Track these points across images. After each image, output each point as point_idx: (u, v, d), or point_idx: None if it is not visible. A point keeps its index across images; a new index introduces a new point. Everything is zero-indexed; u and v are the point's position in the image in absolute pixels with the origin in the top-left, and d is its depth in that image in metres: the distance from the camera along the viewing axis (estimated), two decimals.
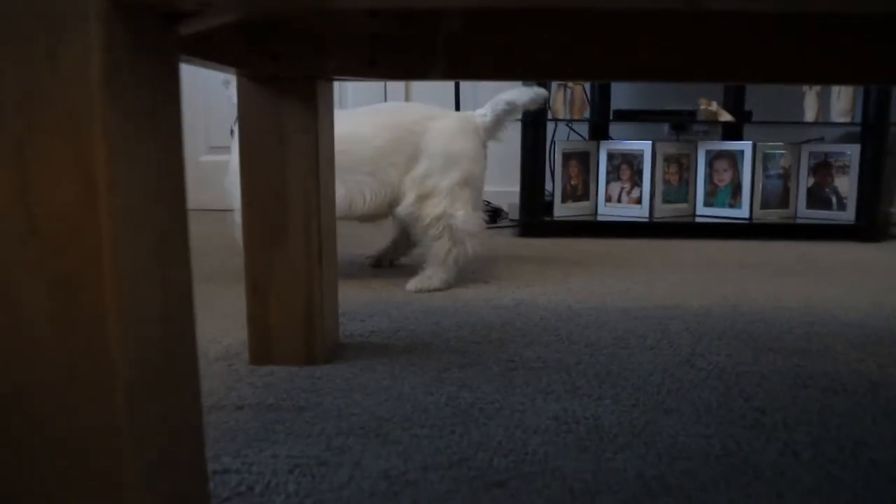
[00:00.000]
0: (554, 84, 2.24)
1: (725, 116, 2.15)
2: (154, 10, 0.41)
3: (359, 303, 1.28)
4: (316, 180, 0.90)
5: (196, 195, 2.55)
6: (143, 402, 0.42)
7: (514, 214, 2.24)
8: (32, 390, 0.40)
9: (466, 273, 1.58)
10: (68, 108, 0.38)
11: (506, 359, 0.96)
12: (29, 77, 0.37)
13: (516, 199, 2.18)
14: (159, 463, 0.44)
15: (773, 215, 2.14)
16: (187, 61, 0.76)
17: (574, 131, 2.55)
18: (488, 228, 2.27)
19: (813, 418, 0.77)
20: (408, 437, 0.71)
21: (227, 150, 1.87)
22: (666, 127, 2.46)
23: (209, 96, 2.58)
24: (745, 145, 2.10)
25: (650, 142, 2.13)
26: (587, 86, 2.39)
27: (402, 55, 0.85)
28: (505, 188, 2.71)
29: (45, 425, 0.40)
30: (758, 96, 2.35)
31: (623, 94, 2.52)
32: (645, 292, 1.39)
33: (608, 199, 2.17)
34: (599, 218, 2.16)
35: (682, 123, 2.32)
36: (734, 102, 2.27)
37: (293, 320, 0.92)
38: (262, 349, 0.93)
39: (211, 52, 0.77)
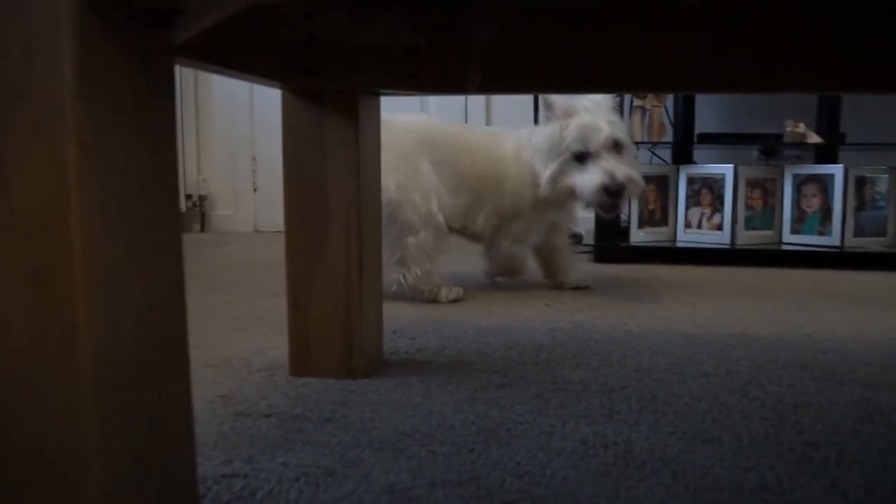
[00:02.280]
0: (628, 106, 2.18)
1: (814, 138, 2.04)
2: (132, 8, 0.42)
3: (411, 320, 1.27)
4: (357, 194, 0.90)
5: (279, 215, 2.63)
6: (115, 400, 0.43)
7: (590, 240, 2.19)
8: (2, 380, 0.41)
9: (529, 296, 1.55)
10: (43, 103, 0.39)
11: (548, 380, 0.93)
12: (7, 71, 0.39)
13: (593, 225, 2.13)
14: (133, 462, 0.44)
15: (868, 244, 2.00)
16: (225, 73, 0.78)
17: (656, 155, 2.48)
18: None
19: (872, 456, 0.70)
20: (424, 452, 0.69)
21: None
22: (755, 152, 2.35)
23: None
24: (836, 169, 1.98)
25: (732, 165, 2.04)
26: (668, 108, 2.32)
27: (440, 68, 0.84)
28: (583, 213, 2.66)
29: (10, 416, 0.41)
30: (854, 117, 2.22)
31: (707, 117, 2.43)
32: (713, 319, 1.32)
33: (688, 224, 2.09)
34: (678, 244, 2.08)
35: (771, 148, 2.21)
36: (827, 124, 2.15)
37: (332, 333, 0.92)
38: (302, 361, 0.93)
39: (249, 64, 0.79)
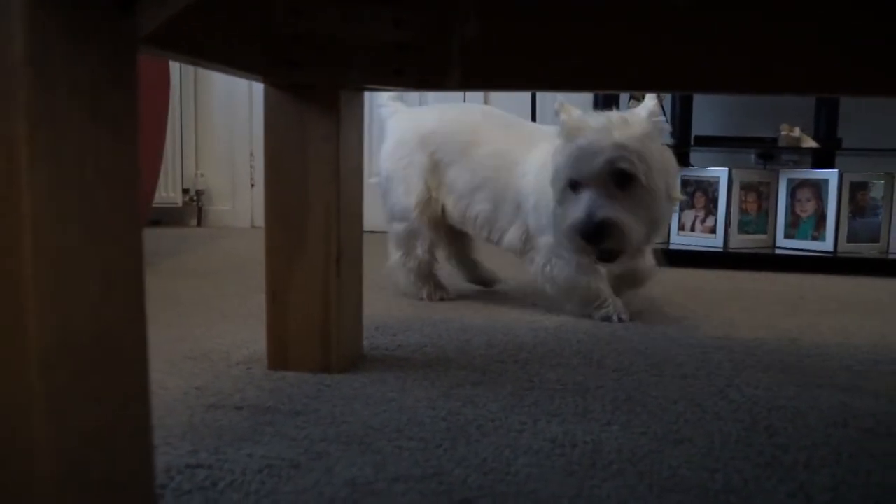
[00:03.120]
0: (624, 108, 2.18)
1: (809, 143, 2.03)
2: None
3: (396, 318, 1.27)
4: (337, 189, 0.90)
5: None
6: (67, 387, 0.43)
7: None
8: None
9: (517, 296, 1.55)
10: None
11: (524, 379, 0.92)
12: None
13: None
14: (86, 450, 0.44)
15: (862, 249, 1.99)
16: (205, 65, 0.78)
17: None
18: None
19: (842, 460, 0.70)
20: (391, 448, 0.69)
21: None
22: (752, 155, 2.35)
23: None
24: (831, 174, 1.97)
25: (726, 169, 2.03)
26: (664, 111, 2.32)
27: (424, 65, 0.84)
28: None
29: None
30: (851, 122, 2.21)
31: (705, 120, 2.43)
32: (700, 322, 1.32)
33: (681, 227, 2.09)
34: (672, 247, 2.07)
35: (768, 151, 2.21)
36: (826, 129, 2.14)
37: (310, 328, 0.92)
38: (280, 355, 0.93)
39: (230, 57, 0.79)
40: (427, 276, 1.46)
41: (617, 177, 1.13)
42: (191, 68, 2.92)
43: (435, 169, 1.43)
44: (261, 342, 1.06)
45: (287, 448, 0.68)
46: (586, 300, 1.32)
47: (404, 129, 1.46)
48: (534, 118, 2.45)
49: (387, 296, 1.47)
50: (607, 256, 1.18)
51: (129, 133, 0.47)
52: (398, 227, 1.44)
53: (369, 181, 1.33)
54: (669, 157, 1.24)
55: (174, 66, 2.50)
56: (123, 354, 0.48)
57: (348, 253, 0.94)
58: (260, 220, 3.03)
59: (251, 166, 3.02)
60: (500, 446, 0.70)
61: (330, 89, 0.89)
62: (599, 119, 1.18)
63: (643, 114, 1.20)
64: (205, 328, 1.17)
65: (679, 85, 1.02)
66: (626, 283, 1.38)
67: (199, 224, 3.07)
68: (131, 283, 0.48)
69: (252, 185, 3.03)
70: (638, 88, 0.92)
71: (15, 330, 0.40)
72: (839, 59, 0.79)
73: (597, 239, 1.13)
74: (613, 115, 1.19)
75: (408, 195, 1.42)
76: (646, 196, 1.15)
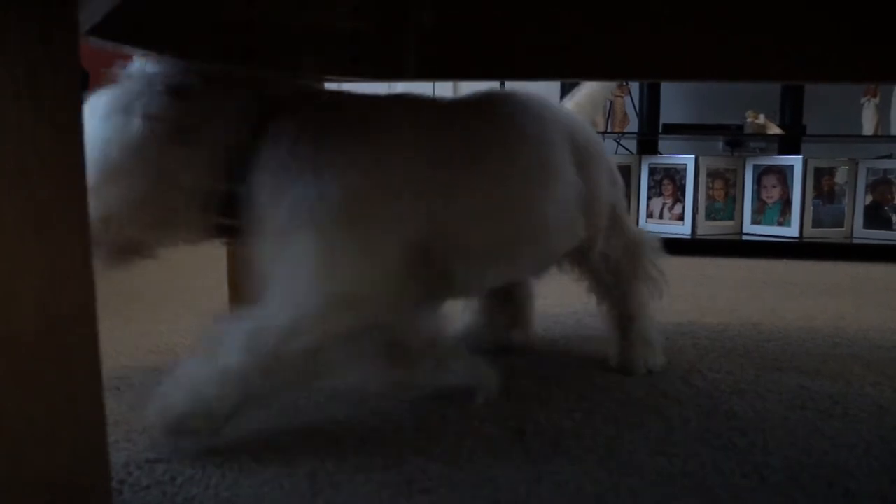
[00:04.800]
0: None
1: (774, 129, 2.06)
2: None
3: None
4: None
5: None
6: (13, 380, 0.42)
7: None
8: None
9: None
10: None
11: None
12: None
13: None
14: (35, 445, 0.44)
15: (826, 234, 2.02)
16: (156, 57, 0.76)
17: (622, 146, 2.49)
18: None
19: (798, 442, 0.71)
20: (354, 439, 0.69)
21: None
22: (720, 142, 2.37)
23: None
24: (795, 160, 2.00)
25: (693, 156, 2.05)
26: (633, 98, 2.33)
27: (380, 54, 0.84)
28: None
29: None
30: (816, 109, 2.24)
31: (673, 108, 2.45)
32: (665, 308, 1.32)
33: (649, 214, 2.11)
34: None
35: (735, 138, 2.23)
36: (791, 116, 2.17)
37: None
38: None
39: (181, 46, 0.78)
40: None
41: None
42: None
43: None
44: None
45: (248, 442, 0.67)
46: None
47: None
48: None
49: None
50: None
51: (72, 126, 0.46)
52: None
53: None
54: None
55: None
56: (71, 350, 0.47)
57: None
58: None
59: None
60: (460, 434, 0.70)
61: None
62: None
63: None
64: (171, 322, 1.16)
65: (641, 73, 1.03)
66: None
67: None
68: (78, 278, 0.48)
69: None
70: (600, 77, 0.92)
71: None
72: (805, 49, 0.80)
73: None
74: None
75: None
76: None
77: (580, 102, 0.98)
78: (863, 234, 2.02)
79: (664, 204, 2.09)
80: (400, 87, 0.75)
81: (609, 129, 2.21)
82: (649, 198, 2.11)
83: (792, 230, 2.00)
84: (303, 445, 0.67)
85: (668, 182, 2.08)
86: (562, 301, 1.36)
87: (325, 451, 0.66)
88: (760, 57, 0.87)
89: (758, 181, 2.05)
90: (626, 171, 2.13)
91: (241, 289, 0.91)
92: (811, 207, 2.01)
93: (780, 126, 2.12)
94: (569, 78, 0.87)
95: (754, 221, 2.06)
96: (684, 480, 0.62)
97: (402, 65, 0.82)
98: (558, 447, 0.68)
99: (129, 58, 0.75)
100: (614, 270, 0.94)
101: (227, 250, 0.91)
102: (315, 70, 0.86)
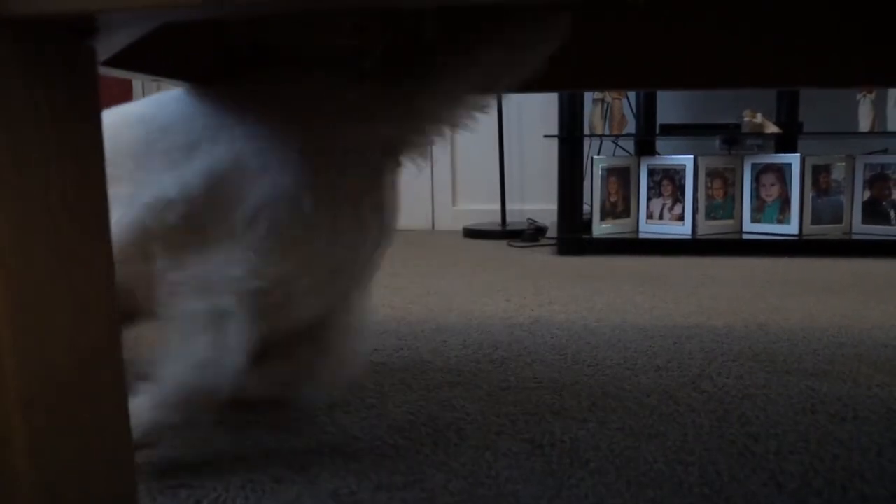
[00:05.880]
0: (589, 98, 2.20)
1: (772, 128, 2.07)
2: (53, 26, 0.42)
3: (371, 321, 1.28)
4: None
5: None
6: (45, 418, 0.43)
7: (553, 232, 2.21)
8: None
9: (490, 291, 1.56)
10: None
11: (500, 379, 0.94)
12: None
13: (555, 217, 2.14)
14: (67, 479, 0.44)
15: (825, 231, 2.03)
16: (166, 82, 0.77)
17: (620, 147, 2.50)
18: (530, 247, 2.24)
19: (811, 447, 0.72)
20: (372, 456, 0.69)
21: None
22: (717, 141, 2.38)
23: None
24: (793, 158, 2.01)
25: (692, 156, 2.06)
26: (629, 100, 2.34)
27: (383, 68, 0.84)
28: (548, 205, 2.68)
29: None
30: (812, 106, 2.26)
31: (669, 109, 2.46)
32: (670, 310, 1.34)
33: (650, 215, 2.12)
34: (641, 235, 2.10)
35: (732, 137, 2.24)
36: (787, 113, 2.18)
37: None
38: None
39: (189, 72, 0.79)
40: None
41: None
42: None
43: None
44: None
45: (269, 462, 0.68)
46: None
47: None
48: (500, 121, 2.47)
49: None
50: None
51: (94, 160, 0.47)
52: None
53: None
54: None
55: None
56: (100, 383, 0.48)
57: None
58: None
59: None
60: (479, 449, 0.71)
61: None
62: None
63: None
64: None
65: (642, 83, 1.04)
66: None
67: None
68: (105, 309, 0.48)
69: None
70: (598, 87, 0.93)
71: None
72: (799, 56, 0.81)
73: None
74: None
75: None
76: None
77: None
78: (862, 229, 2.03)
79: (664, 204, 2.09)
80: None
81: (607, 132, 2.22)
82: (649, 199, 2.12)
83: (791, 228, 2.01)
84: (322, 464, 0.68)
85: (668, 182, 2.08)
86: (567, 307, 1.37)
87: (346, 468, 0.67)
88: (761, 62, 0.88)
89: (756, 180, 2.06)
90: (626, 173, 2.14)
91: None
92: (810, 205, 2.02)
93: (776, 124, 2.13)
94: (569, 89, 0.88)
95: (754, 220, 2.07)
96: (704, 490, 0.62)
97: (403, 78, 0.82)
98: (576, 459, 0.69)
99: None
100: None
101: None
102: None
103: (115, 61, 0.64)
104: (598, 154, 2.47)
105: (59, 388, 0.44)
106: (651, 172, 2.11)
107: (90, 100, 0.47)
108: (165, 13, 0.44)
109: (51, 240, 0.43)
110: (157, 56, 0.72)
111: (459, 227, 2.73)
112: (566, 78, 0.85)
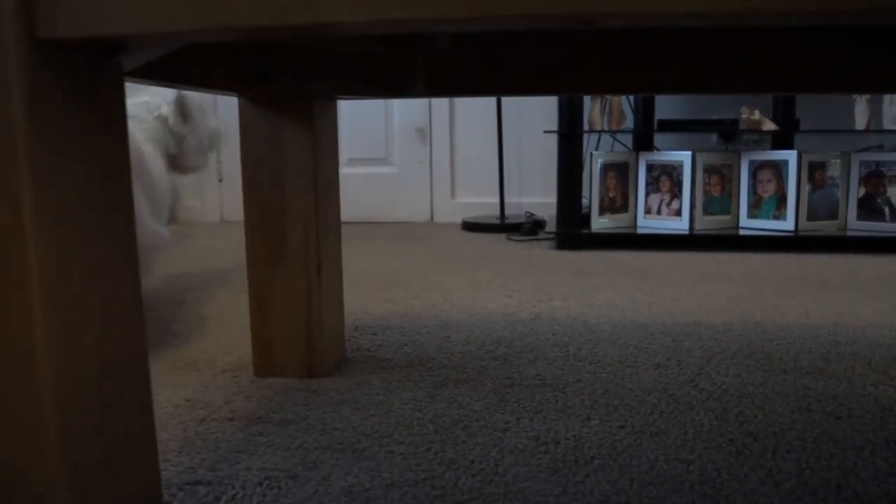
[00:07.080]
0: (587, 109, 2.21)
1: (769, 125, 2.09)
2: (83, 46, 0.44)
3: (374, 315, 1.30)
4: (315, 198, 0.92)
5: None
6: (77, 420, 0.45)
7: (552, 227, 2.23)
8: None
9: (491, 287, 1.58)
10: None
11: (505, 376, 0.96)
12: None
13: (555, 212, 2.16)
14: (98, 479, 0.46)
15: (821, 227, 2.06)
16: (180, 88, 0.79)
17: (619, 142, 2.52)
18: (528, 241, 2.26)
19: (807, 445, 0.74)
20: (383, 453, 0.71)
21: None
22: (714, 137, 2.41)
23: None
24: (790, 155, 2.03)
25: (690, 152, 2.08)
26: (628, 96, 2.36)
27: (391, 73, 0.86)
28: (545, 199, 2.70)
29: None
30: (808, 104, 2.28)
31: (667, 105, 2.47)
32: (669, 308, 1.36)
33: (647, 211, 2.14)
34: (639, 230, 2.12)
35: (730, 133, 2.26)
36: (784, 111, 2.20)
37: (293, 334, 0.94)
38: (265, 362, 0.95)
39: (204, 78, 0.80)
40: None
41: None
42: None
43: None
44: (244, 348, 1.08)
45: (283, 459, 0.70)
46: None
47: None
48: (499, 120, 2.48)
49: (361, 292, 1.50)
50: None
51: (121, 174, 0.49)
52: None
53: None
54: None
55: None
56: (128, 384, 0.49)
57: (328, 259, 0.96)
58: (229, 215, 3.02)
59: (218, 162, 3.00)
60: (486, 446, 0.73)
61: (304, 100, 0.90)
62: None
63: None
64: (185, 335, 1.18)
65: (635, 88, 1.05)
66: None
67: (168, 221, 3.04)
68: (132, 317, 0.50)
69: (220, 180, 3.01)
70: (601, 91, 0.95)
71: (28, 373, 0.42)
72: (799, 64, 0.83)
73: None
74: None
75: None
76: None
77: None
78: (857, 226, 2.05)
79: (662, 200, 2.12)
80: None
81: (606, 127, 2.24)
82: (647, 194, 2.14)
83: (788, 224, 2.03)
84: (335, 461, 0.70)
85: (666, 178, 2.10)
86: (567, 303, 1.39)
87: (357, 465, 0.69)
88: (762, 68, 0.89)
89: (753, 176, 2.08)
90: (624, 168, 2.15)
91: (263, 305, 0.94)
92: (806, 201, 2.05)
93: (773, 121, 2.15)
94: (572, 93, 0.89)
95: (751, 216, 2.09)
96: (704, 488, 0.65)
97: (411, 83, 0.84)
98: (580, 457, 0.71)
99: None
100: None
101: (249, 269, 0.94)
102: (328, 90, 0.88)
103: (132, 73, 0.66)
104: (597, 149, 2.49)
105: (92, 395, 0.46)
106: (649, 168, 2.13)
107: (117, 116, 0.49)
108: (192, 38, 0.45)
109: (84, 253, 0.45)
110: (169, 63, 0.73)
111: (458, 219, 2.75)
112: (566, 83, 0.87)
